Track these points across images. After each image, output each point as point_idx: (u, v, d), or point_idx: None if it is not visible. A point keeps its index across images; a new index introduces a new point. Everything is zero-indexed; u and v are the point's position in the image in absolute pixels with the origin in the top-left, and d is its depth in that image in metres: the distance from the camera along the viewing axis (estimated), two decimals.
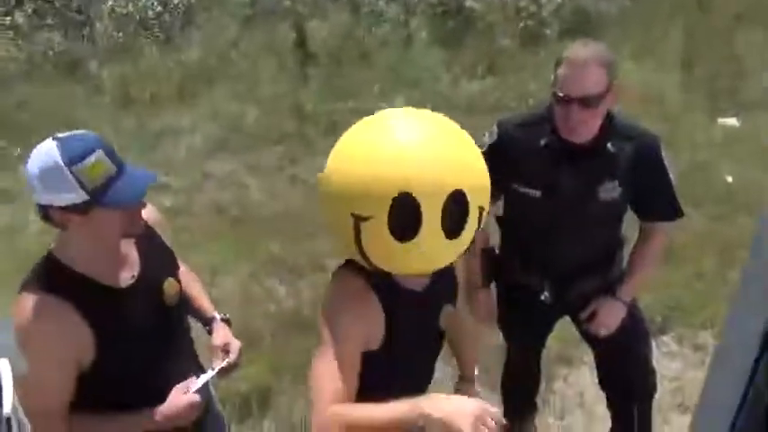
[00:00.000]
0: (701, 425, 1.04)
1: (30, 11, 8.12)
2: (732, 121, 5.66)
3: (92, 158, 1.50)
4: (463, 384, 2.01)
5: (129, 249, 1.70)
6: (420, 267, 1.50)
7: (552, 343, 3.11)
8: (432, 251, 1.44)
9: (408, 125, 1.47)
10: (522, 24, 7.67)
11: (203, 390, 1.76)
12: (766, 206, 1.06)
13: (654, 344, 3.31)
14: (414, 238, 1.40)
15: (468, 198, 1.42)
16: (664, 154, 2.10)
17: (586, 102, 1.92)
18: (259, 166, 5.26)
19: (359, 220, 1.41)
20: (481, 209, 1.47)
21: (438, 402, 1.36)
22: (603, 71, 1.93)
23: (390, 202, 1.37)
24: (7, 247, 4.35)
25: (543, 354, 2.74)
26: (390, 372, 1.57)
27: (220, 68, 7.11)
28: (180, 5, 8.33)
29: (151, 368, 1.70)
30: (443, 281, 1.66)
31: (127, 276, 1.67)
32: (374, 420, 1.46)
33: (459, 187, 1.40)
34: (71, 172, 1.48)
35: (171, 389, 1.72)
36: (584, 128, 1.98)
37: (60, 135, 1.52)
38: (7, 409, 1.35)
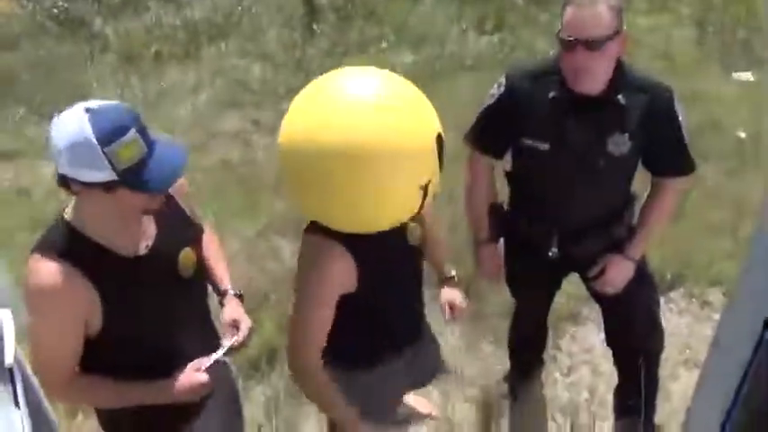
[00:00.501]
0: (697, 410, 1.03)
1: None
2: (746, 76, 5.54)
3: (125, 139, 1.43)
4: (447, 285, 2.22)
5: (147, 218, 1.67)
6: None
7: (560, 300, 3.11)
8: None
9: (383, 82, 1.56)
10: None
11: (214, 367, 1.74)
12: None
13: (662, 300, 3.30)
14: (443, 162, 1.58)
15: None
16: (677, 107, 2.05)
17: (591, 44, 1.86)
18: (266, 123, 5.20)
19: (425, 187, 1.55)
20: None
21: None
22: (611, 14, 1.86)
23: (437, 156, 1.55)
24: (12, 208, 4.35)
25: (551, 310, 2.73)
26: (379, 299, 1.77)
27: (226, 25, 7.01)
28: None
29: (164, 338, 1.68)
30: None
31: (142, 246, 1.64)
32: (323, 400, 1.86)
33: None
34: (103, 151, 1.41)
35: (185, 359, 1.71)
36: (590, 74, 1.93)
37: (92, 106, 1.45)
38: (9, 359, 1.35)
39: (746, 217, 3.75)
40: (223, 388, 1.85)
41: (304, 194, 1.60)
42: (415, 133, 1.49)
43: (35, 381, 1.40)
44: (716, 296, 3.36)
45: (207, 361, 1.72)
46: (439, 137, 1.55)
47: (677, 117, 2.05)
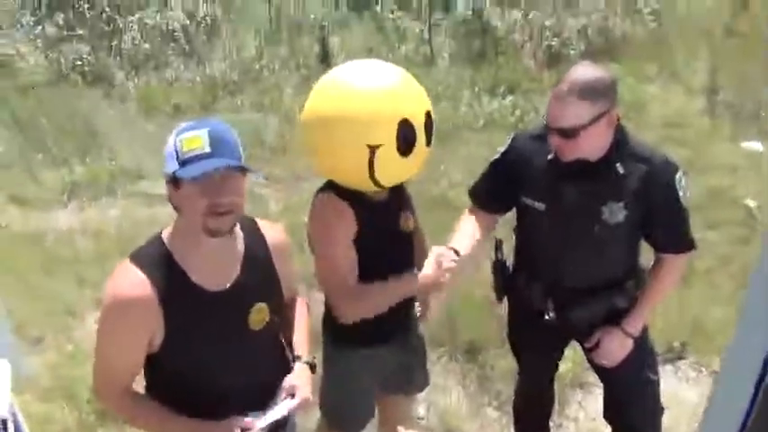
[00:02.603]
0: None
1: (60, 21, 8.27)
2: (756, 146, 5.59)
3: (194, 132, 1.53)
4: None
5: (233, 261, 1.67)
6: (409, 174, 2.01)
7: (566, 366, 3.07)
8: (420, 161, 1.97)
9: (380, 70, 1.97)
10: (546, 44, 7.67)
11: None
12: None
13: (670, 369, 3.25)
14: (412, 151, 1.90)
15: (432, 116, 1.97)
16: (679, 183, 2.01)
17: (564, 133, 1.90)
18: (278, 177, 5.27)
19: (372, 148, 1.85)
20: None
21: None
22: (585, 104, 1.87)
23: (396, 129, 1.86)
24: (30, 250, 4.41)
25: (557, 377, 2.68)
26: (367, 262, 1.99)
27: (243, 80, 7.17)
28: (206, 18, 8.45)
29: (217, 382, 1.67)
30: (396, 192, 2.10)
31: (219, 284, 1.64)
32: (385, 294, 1.99)
33: (428, 109, 1.96)
34: (175, 140, 1.53)
35: (235, 407, 1.67)
36: (568, 154, 1.96)
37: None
38: (3, 411, 1.33)
39: None
40: None
41: (307, 153, 2.04)
42: (369, 111, 1.87)
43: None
44: None
45: (259, 423, 1.66)
46: (404, 121, 1.86)
47: (677, 193, 2.01)
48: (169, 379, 1.66)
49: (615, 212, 2.00)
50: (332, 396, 2.30)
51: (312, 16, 8.39)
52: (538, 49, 7.68)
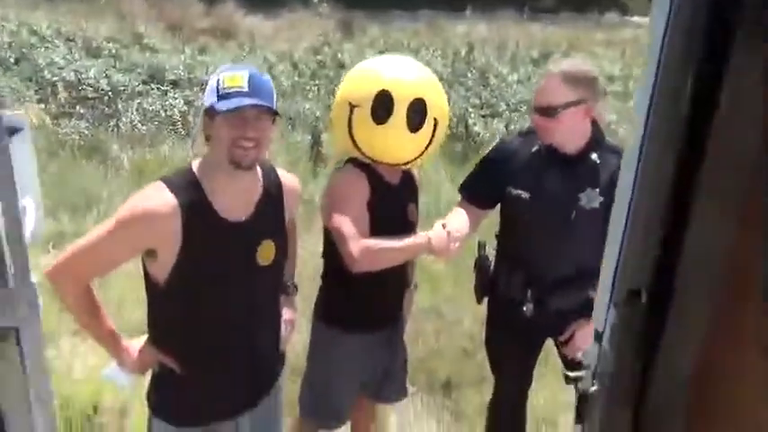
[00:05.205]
0: None
1: (62, 100, 8.59)
2: None
3: (237, 71, 1.69)
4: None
5: (252, 196, 1.81)
6: (391, 153, 2.12)
7: (539, 402, 3.09)
8: (398, 140, 2.08)
9: (399, 59, 2.22)
10: None
11: None
12: None
13: None
14: (386, 121, 2.04)
15: (427, 105, 2.07)
16: None
17: (543, 111, 2.13)
18: None
19: (352, 107, 2.08)
20: (436, 120, 2.11)
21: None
22: (565, 88, 2.10)
23: (374, 96, 2.04)
24: None
25: (530, 408, 2.68)
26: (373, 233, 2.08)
27: None
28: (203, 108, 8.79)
29: (219, 311, 1.78)
30: (408, 183, 2.27)
31: (237, 215, 1.77)
32: (397, 247, 2.07)
33: (421, 96, 2.06)
34: (218, 77, 1.67)
35: (236, 340, 1.82)
36: (547, 134, 2.17)
37: None
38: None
39: None
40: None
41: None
42: (359, 77, 2.16)
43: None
44: None
45: None
46: (383, 91, 2.03)
47: None
48: (173, 310, 1.76)
49: (592, 199, 2.17)
50: (317, 381, 2.33)
51: (306, 106, 8.81)
52: None
